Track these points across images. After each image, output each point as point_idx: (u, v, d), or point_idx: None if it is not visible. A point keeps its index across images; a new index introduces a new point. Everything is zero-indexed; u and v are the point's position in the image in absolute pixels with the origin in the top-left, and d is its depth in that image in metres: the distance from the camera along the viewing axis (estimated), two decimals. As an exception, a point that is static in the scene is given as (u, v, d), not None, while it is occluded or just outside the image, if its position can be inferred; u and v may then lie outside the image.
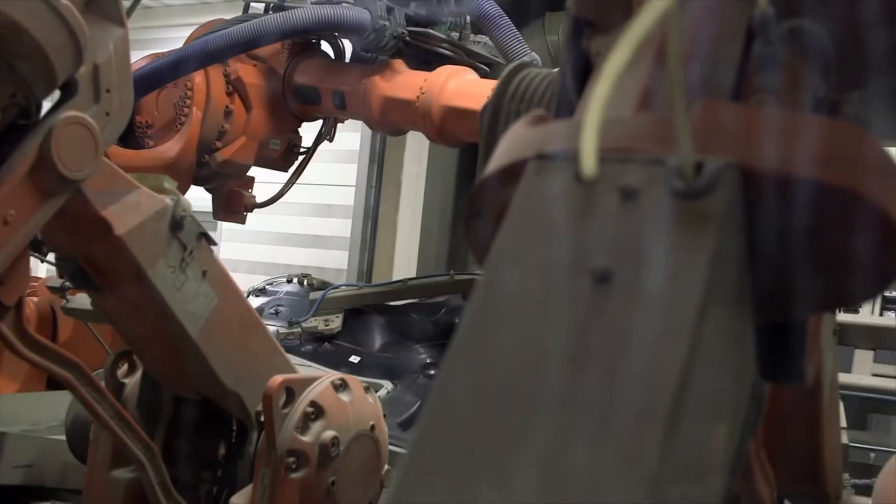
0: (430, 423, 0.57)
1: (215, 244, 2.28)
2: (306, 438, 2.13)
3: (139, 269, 2.06)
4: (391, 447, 4.16)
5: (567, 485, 0.51)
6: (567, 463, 0.52)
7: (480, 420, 0.55)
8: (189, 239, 2.14)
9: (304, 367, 3.51)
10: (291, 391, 2.18)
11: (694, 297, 0.56)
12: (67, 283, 3.08)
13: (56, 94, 1.89)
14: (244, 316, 2.32)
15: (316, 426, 2.16)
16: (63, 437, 2.74)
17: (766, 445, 1.64)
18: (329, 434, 2.18)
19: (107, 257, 2.07)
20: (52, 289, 3.38)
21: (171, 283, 2.11)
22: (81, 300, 2.99)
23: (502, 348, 0.59)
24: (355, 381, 2.37)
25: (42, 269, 5.45)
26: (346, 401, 2.29)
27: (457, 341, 0.61)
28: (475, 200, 0.74)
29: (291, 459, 2.11)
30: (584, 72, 1.03)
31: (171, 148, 4.28)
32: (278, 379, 2.15)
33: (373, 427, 2.34)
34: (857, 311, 4.60)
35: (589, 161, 0.61)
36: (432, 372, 5.08)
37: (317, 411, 2.19)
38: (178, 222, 2.12)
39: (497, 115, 1.43)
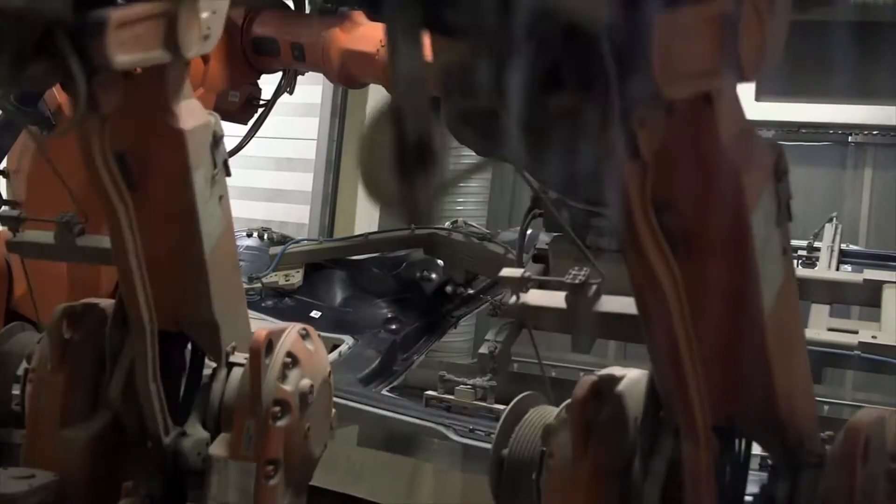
0: None
1: (230, 175, 2.34)
2: (288, 388, 2.18)
3: (185, 169, 2.14)
4: (353, 403, 4.18)
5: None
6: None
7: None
8: (220, 158, 2.26)
9: (263, 323, 3.50)
10: (270, 342, 2.22)
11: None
12: (24, 214, 2.95)
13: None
14: (234, 255, 2.45)
15: (293, 375, 2.21)
16: None
17: (714, 373, 1.65)
18: (306, 382, 2.24)
19: (163, 151, 2.15)
20: (3, 219, 3.20)
21: (202, 193, 2.20)
22: (29, 236, 2.84)
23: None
24: (312, 329, 2.42)
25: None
26: (311, 349, 2.35)
27: None
28: None
29: (277, 409, 2.16)
30: None
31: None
32: (263, 332, 2.20)
33: (329, 373, 2.41)
34: (813, 266, 4.65)
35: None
36: (393, 326, 5.08)
37: (293, 361, 2.23)
38: (216, 139, 2.25)
39: None
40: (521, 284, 2.34)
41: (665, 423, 1.79)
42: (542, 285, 2.23)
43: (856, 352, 3.10)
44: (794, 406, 1.74)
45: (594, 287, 2.04)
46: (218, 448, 2.21)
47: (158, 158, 2.16)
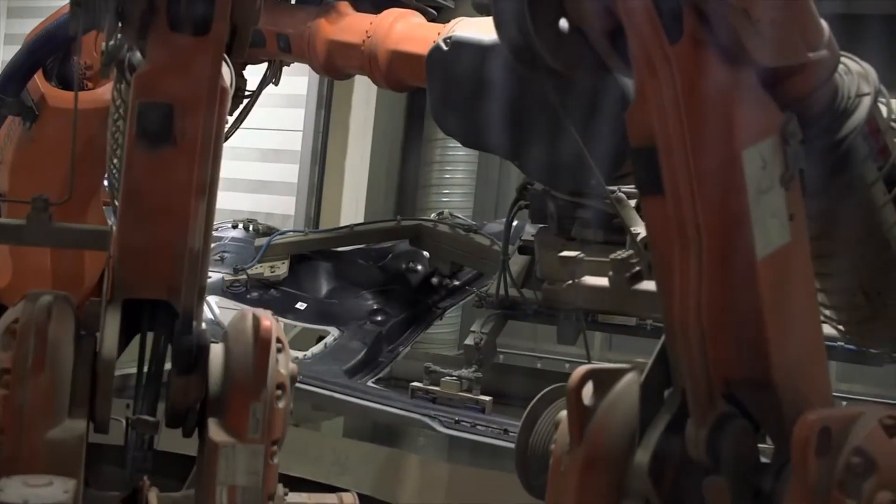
0: None
1: None
2: (284, 371, 2.27)
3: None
4: (338, 395, 4.18)
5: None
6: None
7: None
8: None
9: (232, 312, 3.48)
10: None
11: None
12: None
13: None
14: None
15: (282, 359, 2.29)
16: None
17: (712, 329, 1.70)
18: (293, 366, 2.31)
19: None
20: None
21: None
22: (3, 221, 2.80)
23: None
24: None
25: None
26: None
27: None
28: None
29: (279, 392, 2.24)
30: None
31: (109, 90, 4.18)
32: (267, 321, 2.25)
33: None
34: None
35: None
36: (379, 318, 5.08)
37: (281, 346, 2.31)
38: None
39: None
40: (576, 265, 2.47)
41: (667, 402, 1.84)
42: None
43: (839, 343, 3.12)
44: (798, 380, 1.75)
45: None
46: (218, 434, 2.22)
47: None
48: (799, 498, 1.63)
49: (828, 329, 3.23)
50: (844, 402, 4.12)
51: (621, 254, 2.35)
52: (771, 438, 1.80)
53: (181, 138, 2.19)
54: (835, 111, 1.83)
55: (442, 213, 5.69)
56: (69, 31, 3.34)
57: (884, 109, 1.88)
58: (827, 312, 2.11)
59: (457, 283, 5.34)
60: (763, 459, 1.79)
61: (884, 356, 3.44)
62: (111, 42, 2.26)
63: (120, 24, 2.15)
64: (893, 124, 1.90)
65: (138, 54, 2.29)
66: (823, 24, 1.73)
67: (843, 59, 1.85)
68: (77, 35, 2.26)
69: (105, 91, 4.25)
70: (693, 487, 1.77)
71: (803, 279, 1.80)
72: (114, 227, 2.41)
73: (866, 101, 1.84)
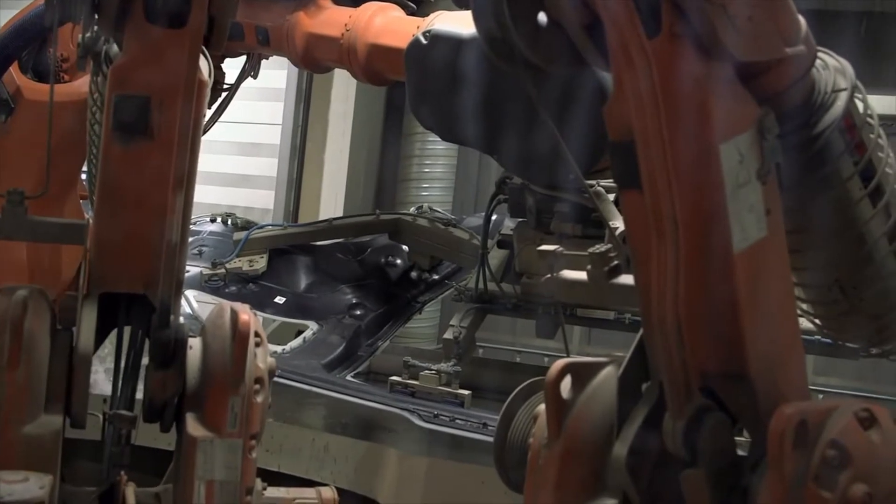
0: None
1: None
2: (262, 365, 2.28)
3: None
4: (317, 389, 4.17)
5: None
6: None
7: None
8: None
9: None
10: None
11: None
12: None
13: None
14: None
15: (260, 353, 2.30)
16: None
17: (689, 323, 1.71)
18: (272, 360, 2.33)
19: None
20: None
21: None
22: None
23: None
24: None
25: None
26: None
27: None
28: None
29: (257, 386, 2.25)
30: None
31: (86, 82, 4.15)
32: (246, 316, 2.26)
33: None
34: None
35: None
36: (358, 312, 5.07)
37: (260, 340, 2.33)
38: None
39: None
40: (555, 259, 2.50)
41: (645, 395, 1.85)
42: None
43: (816, 336, 3.14)
44: (775, 373, 1.76)
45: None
46: (196, 429, 2.23)
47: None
48: (775, 490, 1.64)
49: (804, 323, 3.25)
50: (821, 396, 4.16)
51: (600, 248, 2.36)
52: (748, 431, 1.81)
53: (158, 131, 2.17)
54: (811, 106, 1.84)
55: (421, 207, 5.69)
56: (44, 22, 3.32)
57: (860, 105, 1.89)
58: (804, 307, 2.12)
59: (436, 277, 5.34)
60: (740, 452, 1.80)
61: (859, 350, 3.46)
62: (87, 34, 2.25)
63: (96, 16, 2.13)
64: (869, 120, 1.91)
65: (115, 47, 2.27)
66: (800, 19, 1.74)
67: (820, 54, 1.86)
68: (53, 27, 2.24)
69: (82, 84, 4.22)
70: (671, 480, 1.78)
71: (780, 273, 1.81)
72: (90, 221, 2.39)
73: (843, 97, 1.85)
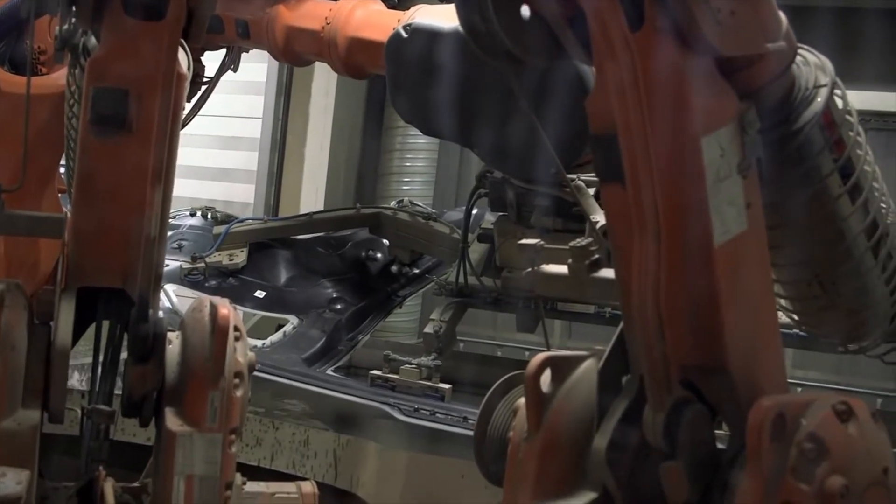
0: None
1: None
2: (241, 359, 2.28)
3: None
4: (297, 383, 4.16)
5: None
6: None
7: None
8: None
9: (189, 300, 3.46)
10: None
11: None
12: None
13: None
14: None
15: (240, 348, 2.30)
16: None
17: (669, 316, 1.72)
18: (251, 354, 2.33)
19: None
20: None
21: None
22: None
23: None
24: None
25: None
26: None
27: None
28: None
29: (237, 381, 2.25)
30: None
31: (64, 75, 4.12)
32: (225, 309, 2.25)
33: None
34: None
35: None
36: (338, 306, 5.06)
37: (240, 335, 2.33)
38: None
39: None
40: (535, 252, 2.50)
41: (625, 388, 1.86)
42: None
43: (794, 330, 3.16)
44: (754, 366, 1.77)
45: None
46: (175, 423, 2.22)
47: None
48: (754, 482, 1.65)
49: (783, 317, 3.28)
50: (799, 389, 4.18)
51: (580, 242, 2.37)
52: (727, 424, 1.82)
53: (136, 124, 2.16)
54: (792, 102, 1.85)
55: (402, 201, 5.68)
56: (21, 14, 3.28)
57: (839, 102, 1.90)
58: (782, 302, 2.13)
59: (416, 271, 5.33)
60: (719, 445, 1.81)
61: (837, 346, 3.48)
62: (65, 26, 2.23)
63: (73, 8, 2.11)
64: (848, 117, 1.92)
65: (93, 39, 2.26)
66: (782, 15, 1.75)
67: (800, 50, 1.87)
68: (30, 18, 2.22)
69: (59, 76, 4.19)
70: (650, 473, 1.79)
71: (760, 267, 1.82)
72: (68, 215, 2.38)
73: (823, 93, 1.86)
